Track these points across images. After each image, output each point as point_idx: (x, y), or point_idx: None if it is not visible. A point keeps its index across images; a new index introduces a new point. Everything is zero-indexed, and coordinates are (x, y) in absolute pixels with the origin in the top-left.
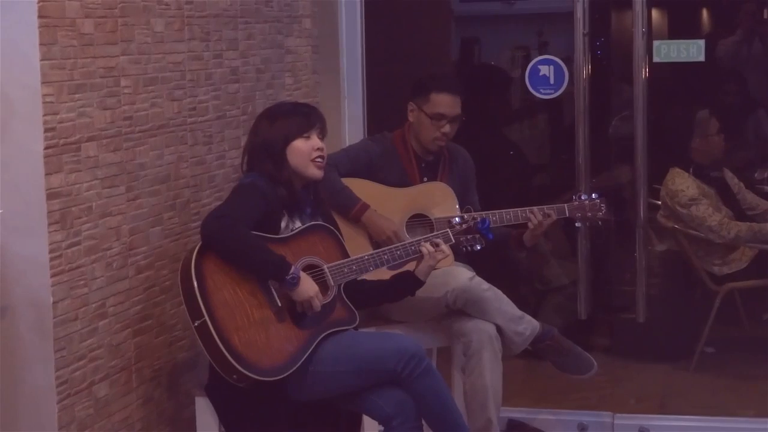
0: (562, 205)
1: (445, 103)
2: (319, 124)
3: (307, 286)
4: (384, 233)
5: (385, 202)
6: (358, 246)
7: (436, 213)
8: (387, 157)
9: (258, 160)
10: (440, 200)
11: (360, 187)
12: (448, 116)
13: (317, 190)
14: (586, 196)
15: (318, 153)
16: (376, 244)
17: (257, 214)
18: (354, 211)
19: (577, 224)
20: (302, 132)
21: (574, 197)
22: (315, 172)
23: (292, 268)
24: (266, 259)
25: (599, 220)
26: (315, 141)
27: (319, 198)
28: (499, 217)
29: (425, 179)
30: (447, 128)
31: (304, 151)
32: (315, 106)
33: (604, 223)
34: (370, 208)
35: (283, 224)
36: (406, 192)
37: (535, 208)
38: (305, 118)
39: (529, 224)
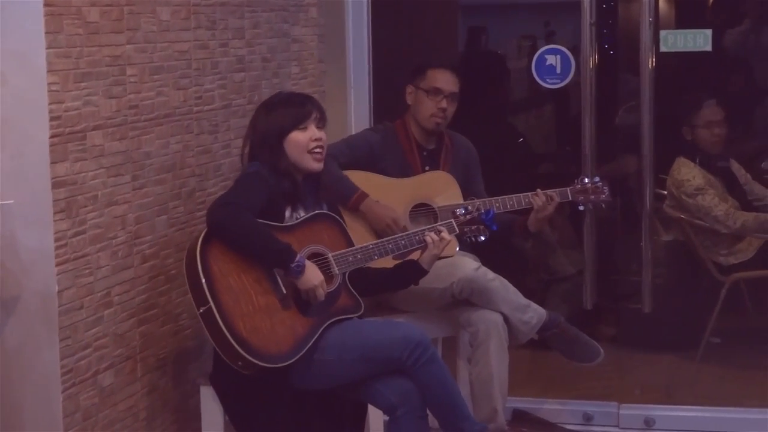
0: (564, 189)
1: (442, 78)
2: (316, 114)
3: (312, 275)
4: (383, 221)
5: (388, 193)
6: (361, 236)
7: (439, 202)
8: (388, 146)
9: (258, 151)
10: (443, 189)
11: (362, 179)
12: (445, 91)
13: (319, 181)
14: (588, 180)
15: (315, 144)
16: (378, 234)
17: (262, 203)
18: (352, 200)
19: (580, 207)
20: (298, 124)
21: (576, 181)
22: (314, 165)
23: (297, 256)
24: (271, 247)
25: (602, 202)
26: (312, 131)
27: (321, 188)
28: (502, 203)
29: (427, 168)
30: (444, 103)
31: (301, 143)
32: (311, 96)
33: (607, 205)
34: (369, 196)
35: (287, 214)
36: (408, 182)
37: (538, 191)
38: (300, 108)
39: (534, 207)
